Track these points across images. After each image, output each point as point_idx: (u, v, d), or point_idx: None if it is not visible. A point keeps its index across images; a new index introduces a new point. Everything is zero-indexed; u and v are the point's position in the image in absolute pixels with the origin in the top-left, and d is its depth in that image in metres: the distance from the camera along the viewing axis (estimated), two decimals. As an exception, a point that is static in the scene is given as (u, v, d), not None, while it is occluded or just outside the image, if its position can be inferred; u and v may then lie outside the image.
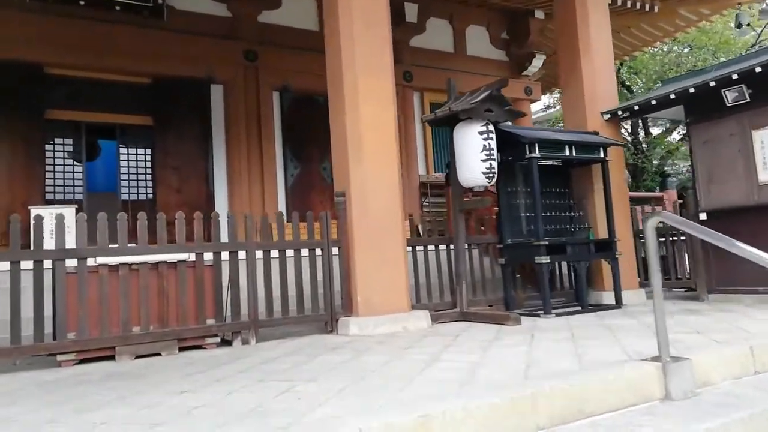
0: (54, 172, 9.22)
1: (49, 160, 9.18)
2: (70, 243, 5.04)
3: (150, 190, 9.99)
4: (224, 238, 5.63)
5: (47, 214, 5.28)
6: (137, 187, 9.96)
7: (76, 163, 9.46)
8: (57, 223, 4.93)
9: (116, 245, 5.06)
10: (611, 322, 5.60)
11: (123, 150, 9.88)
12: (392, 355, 4.34)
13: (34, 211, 5.28)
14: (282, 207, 10.89)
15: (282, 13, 11.21)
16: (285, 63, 10.97)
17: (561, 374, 3.34)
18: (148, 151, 10.08)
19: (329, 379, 3.55)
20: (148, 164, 10.07)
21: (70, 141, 9.48)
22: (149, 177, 10.03)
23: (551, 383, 3.10)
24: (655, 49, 19.19)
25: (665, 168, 18.42)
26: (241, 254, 5.64)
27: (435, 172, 12.74)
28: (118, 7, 9.07)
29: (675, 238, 8.30)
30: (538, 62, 13.95)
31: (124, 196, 9.76)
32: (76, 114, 9.43)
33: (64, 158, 9.35)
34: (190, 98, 10.26)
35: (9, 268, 4.75)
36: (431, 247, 6.84)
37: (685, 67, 18.63)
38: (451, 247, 6.81)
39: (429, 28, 13.07)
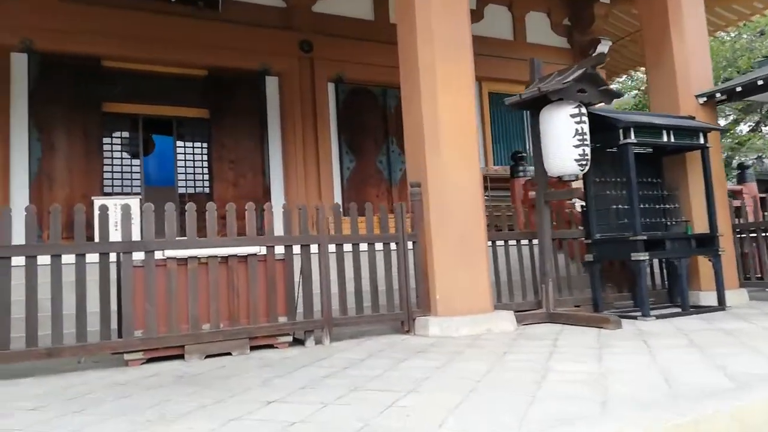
0: (112, 165, 9.10)
1: (107, 153, 9.07)
2: (136, 235, 4.75)
3: (207, 184, 9.78)
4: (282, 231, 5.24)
5: (111, 205, 5.02)
6: (194, 180, 9.76)
7: (133, 156, 9.33)
8: (123, 214, 4.64)
9: (185, 237, 4.73)
10: (726, 327, 4.94)
11: (180, 143, 9.70)
12: (490, 362, 3.84)
13: (98, 201, 5.04)
14: (338, 201, 10.51)
15: (337, 2, 10.83)
16: (340, 53, 10.59)
17: (716, 392, 2.78)
18: (205, 144, 9.87)
19: (433, 391, 3.08)
20: (205, 157, 9.87)
21: (127, 134, 9.35)
22: (206, 170, 9.82)
23: (712, 404, 2.56)
24: (724, 35, 18.02)
25: (741, 160, 17.21)
26: (312, 248, 5.24)
27: (494, 165, 12.13)
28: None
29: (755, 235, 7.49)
30: (603, 48, 13.12)
31: (181, 190, 9.58)
32: (134, 107, 9.29)
33: (122, 151, 9.23)
34: (246, 90, 10.02)
35: (74, 261, 4.48)
36: (512, 242, 6.30)
37: (759, 52, 17.37)
38: (534, 242, 6.25)
39: (487, 15, 12.46)
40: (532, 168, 12.30)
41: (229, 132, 9.77)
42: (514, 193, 9.80)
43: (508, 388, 3.05)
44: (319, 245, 5.20)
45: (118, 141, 9.22)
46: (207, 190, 9.74)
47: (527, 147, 12.71)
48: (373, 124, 11.09)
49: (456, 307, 5.25)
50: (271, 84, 10.33)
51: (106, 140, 9.06)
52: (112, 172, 9.06)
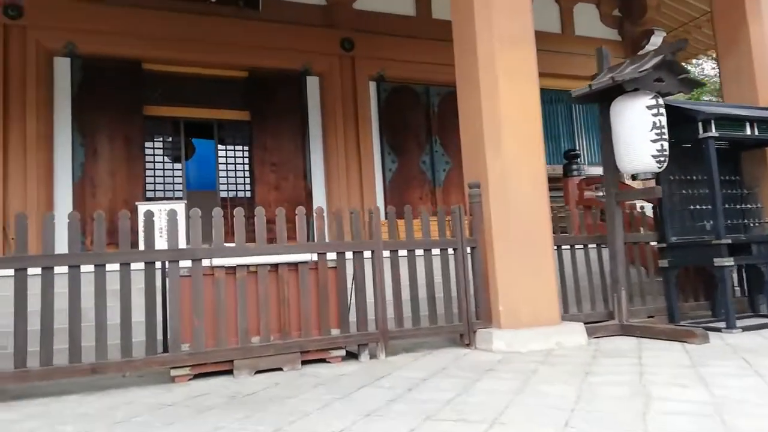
0: (154, 169, 8.98)
1: (149, 158, 8.95)
2: (182, 242, 4.50)
3: (248, 187, 9.57)
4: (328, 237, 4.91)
5: (156, 210, 4.79)
6: (236, 184, 9.57)
7: (175, 160, 9.19)
8: (169, 220, 4.39)
9: (232, 245, 4.45)
10: (833, 343, 4.37)
11: (221, 146, 9.52)
12: (574, 384, 3.41)
13: (143, 207, 4.80)
14: (380, 203, 10.18)
15: (378, -3, 10.52)
16: (381, 51, 10.26)
17: None
18: (246, 147, 9.67)
19: (522, 423, 2.68)
20: (246, 160, 9.66)
21: (169, 138, 9.22)
22: (247, 174, 9.62)
23: None
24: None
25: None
26: (366, 255, 4.90)
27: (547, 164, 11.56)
28: (213, -1, 8.71)
29: None
30: (657, 40, 12.43)
31: (223, 194, 9.39)
32: (175, 110, 9.15)
33: (163, 155, 9.10)
34: (287, 91, 9.78)
35: (119, 269, 4.25)
36: (579, 247, 5.82)
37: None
38: (602, 246, 5.76)
39: (533, 7, 11.92)
40: (586, 167, 11.77)
41: (271, 134, 9.55)
42: (567, 193, 9.26)
43: (610, 422, 2.62)
44: (373, 251, 4.85)
45: (160, 145, 9.09)
46: (248, 193, 9.53)
47: (577, 145, 12.12)
48: (416, 123, 10.72)
49: (521, 319, 4.82)
50: (312, 84, 10.07)
51: (147, 144, 8.94)
52: (154, 176, 8.93)
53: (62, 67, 8.44)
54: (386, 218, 5.16)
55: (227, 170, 9.52)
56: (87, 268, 4.25)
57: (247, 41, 9.26)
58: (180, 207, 4.92)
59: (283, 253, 4.59)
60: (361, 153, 9.98)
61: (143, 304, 4.23)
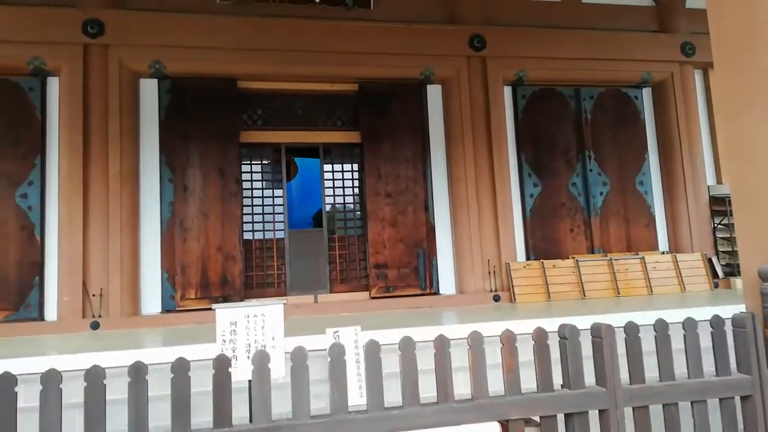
0: (252, 206, 7.59)
1: (246, 192, 7.58)
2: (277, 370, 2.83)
3: (359, 223, 7.94)
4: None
5: (241, 316, 3.18)
6: (344, 219, 7.96)
7: (275, 193, 7.75)
8: (257, 376, 2.68)
9: (398, 408, 2.69)
10: None
11: (327, 174, 7.95)
12: None
13: (223, 312, 3.19)
14: (519, 240, 8.13)
15: (512, -18, 8.45)
16: (520, 47, 8.20)
17: None
18: (356, 174, 8.04)
19: None
20: (356, 191, 8.03)
21: (268, 167, 7.80)
22: (358, 207, 7.99)
23: None
24: None
25: None
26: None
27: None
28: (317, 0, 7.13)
29: None
30: None
31: (329, 232, 7.82)
32: (275, 134, 7.72)
33: (262, 189, 7.69)
34: (404, 105, 8.02)
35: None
36: None
37: None
38: None
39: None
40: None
41: (385, 158, 7.84)
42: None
43: None
44: (604, 411, 2.83)
45: (258, 177, 7.69)
46: (360, 231, 7.89)
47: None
48: (563, 135, 8.53)
49: None
50: (434, 94, 8.24)
51: (245, 177, 7.57)
52: (252, 214, 7.54)
53: (149, 90, 7.28)
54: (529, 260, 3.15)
55: (334, 203, 7.93)
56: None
57: (357, 47, 7.61)
58: (276, 310, 3.27)
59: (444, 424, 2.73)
60: (495, 176, 7.98)
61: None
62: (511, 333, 2.76)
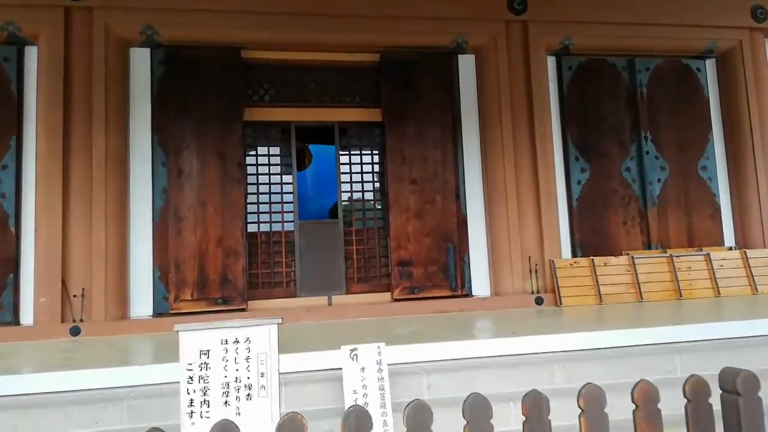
0: (257, 194, 6.64)
1: (251, 178, 6.63)
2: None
3: (380, 214, 6.94)
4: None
5: (215, 342, 2.21)
6: (363, 209, 6.97)
7: (284, 179, 6.79)
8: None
9: None
10: None
11: (344, 158, 6.96)
12: None
13: (189, 336, 2.23)
14: (565, 234, 7.06)
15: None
16: (566, 11, 7.10)
17: None
18: (377, 158, 7.03)
19: None
20: (377, 176, 7.03)
21: (276, 149, 6.83)
22: (378, 196, 6.99)
23: None
24: None
25: None
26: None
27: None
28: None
29: None
30: None
31: (346, 224, 6.83)
32: (284, 112, 6.74)
33: (270, 174, 6.73)
34: (432, 78, 6.97)
35: None
36: None
37: None
38: None
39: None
40: None
41: (410, 139, 6.81)
42: None
43: None
44: None
45: (265, 161, 6.73)
46: (380, 222, 6.89)
47: None
48: (615, 112, 7.41)
49: None
50: (466, 65, 7.17)
51: (249, 160, 6.62)
52: (258, 203, 6.59)
53: (140, 60, 6.35)
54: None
55: (351, 191, 6.93)
56: None
57: (379, 10, 6.58)
58: (266, 333, 2.30)
59: None
60: (538, 160, 6.91)
61: None
62: (649, 387, 1.73)
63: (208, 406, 2.17)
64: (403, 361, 3.80)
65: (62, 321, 5.65)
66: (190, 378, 2.18)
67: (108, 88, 6.00)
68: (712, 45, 7.57)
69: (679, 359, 3.95)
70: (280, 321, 2.33)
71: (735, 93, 7.63)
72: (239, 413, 2.19)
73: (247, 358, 2.28)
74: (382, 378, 3.25)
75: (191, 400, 2.13)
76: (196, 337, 2.18)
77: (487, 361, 3.85)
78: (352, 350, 3.28)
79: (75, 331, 5.60)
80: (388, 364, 3.28)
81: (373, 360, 3.29)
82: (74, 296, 5.71)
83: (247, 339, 2.25)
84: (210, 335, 2.20)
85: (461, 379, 3.63)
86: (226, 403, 2.19)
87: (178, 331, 2.17)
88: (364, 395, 3.09)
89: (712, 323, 4.23)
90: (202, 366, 2.20)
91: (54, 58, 5.94)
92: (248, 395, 2.25)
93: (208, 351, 2.20)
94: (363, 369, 3.26)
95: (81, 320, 5.71)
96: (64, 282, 5.70)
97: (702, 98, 7.70)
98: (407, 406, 1.56)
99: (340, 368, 3.30)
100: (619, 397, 3.56)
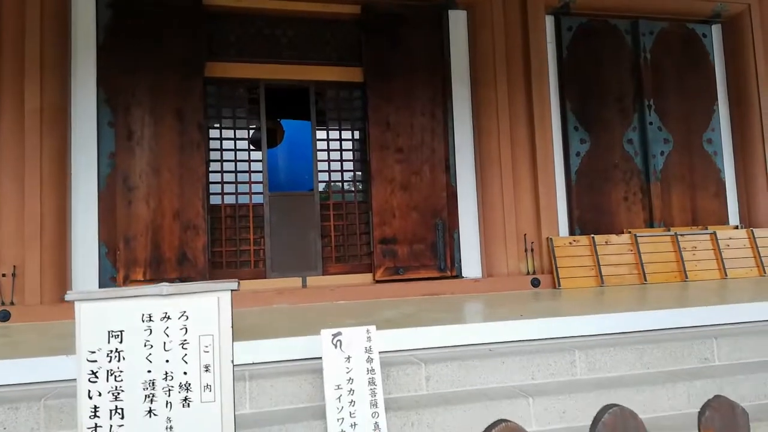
0: (222, 161, 5.84)
1: (214, 143, 5.82)
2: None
3: (360, 186, 6.21)
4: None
5: (134, 319, 1.49)
6: (341, 181, 6.24)
7: (253, 144, 6.00)
8: None
9: None
10: None
11: (320, 123, 6.19)
12: None
13: (91, 307, 1.50)
14: (562, 210, 6.45)
15: None
16: (565, -34, 6.44)
17: None
18: (358, 122, 6.29)
19: None
20: (357, 144, 6.29)
21: (242, 110, 6.03)
22: (359, 164, 6.25)
23: None
24: None
25: None
26: None
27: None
28: None
29: None
30: None
31: (323, 196, 6.08)
32: (252, 68, 5.93)
33: (235, 139, 5.93)
34: (420, 36, 6.26)
35: None
36: None
37: None
38: None
39: None
40: None
41: (396, 103, 6.09)
42: None
43: None
44: None
45: (230, 123, 5.93)
46: (361, 196, 6.17)
47: None
48: (618, 79, 6.81)
49: None
50: (457, 22, 6.47)
51: (212, 122, 5.82)
52: (222, 172, 5.80)
53: (83, 4, 5.46)
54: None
55: (329, 159, 6.19)
56: None
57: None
58: (212, 303, 1.56)
59: None
60: (535, 129, 6.27)
61: None
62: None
63: (122, 417, 1.45)
64: (394, 348, 3.12)
65: (-11, 304, 4.81)
66: (94, 374, 1.45)
67: (44, 34, 5.11)
68: (719, 8, 7.01)
69: (716, 344, 3.36)
70: (234, 286, 1.61)
71: (742, 62, 7.11)
72: (170, 427, 1.48)
73: (184, 344, 1.56)
74: (373, 369, 2.56)
75: (95, 407, 1.41)
76: (103, 311, 1.45)
77: (495, 349, 3.19)
78: (334, 335, 2.59)
79: (3, 316, 4.77)
80: (379, 353, 2.59)
81: (361, 347, 2.60)
82: (2, 275, 4.87)
83: (184, 314, 1.53)
84: (124, 308, 1.46)
85: (466, 369, 2.96)
86: (150, 411, 1.47)
87: (72, 301, 1.44)
88: (350, 391, 2.40)
89: (753, 303, 3.64)
90: (113, 355, 1.47)
91: (-22, -3, 5.03)
92: (185, 399, 1.54)
93: (121, 333, 1.47)
94: (348, 358, 2.56)
95: (12, 303, 4.87)
96: (-10, 259, 4.84)
97: (707, 66, 7.16)
98: (600, 413, 0.87)
99: (319, 358, 2.61)
100: (653, 392, 2.95)
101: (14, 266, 4.91)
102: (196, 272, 5.35)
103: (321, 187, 6.06)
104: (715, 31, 7.28)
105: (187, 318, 1.49)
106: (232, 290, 1.57)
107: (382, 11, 6.10)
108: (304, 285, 5.77)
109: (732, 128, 7.16)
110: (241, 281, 5.49)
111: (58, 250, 5.07)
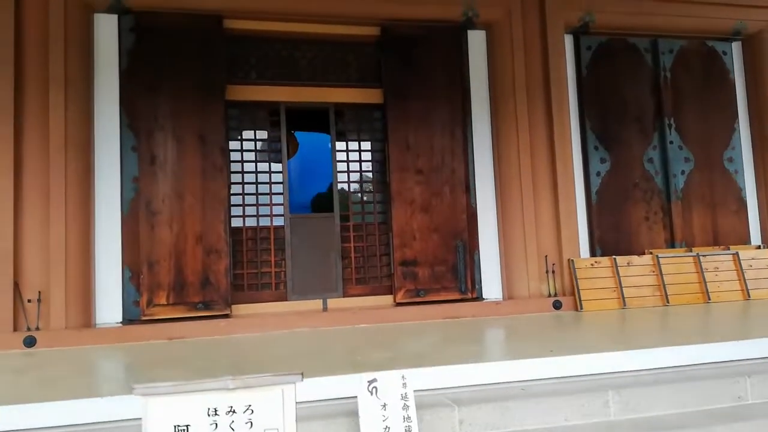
0: (243, 183, 5.85)
1: (235, 166, 5.84)
2: None
3: (380, 208, 6.20)
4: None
5: (199, 413, 1.47)
6: (361, 203, 6.23)
7: (273, 167, 6.01)
8: None
9: None
10: None
11: (340, 144, 6.20)
12: None
13: (156, 403, 1.50)
14: (583, 231, 6.41)
15: None
16: (585, -16, 6.41)
17: None
18: (378, 144, 6.28)
19: None
20: (377, 166, 6.29)
21: (264, 133, 6.05)
22: (379, 187, 6.24)
23: None
24: None
25: None
26: None
27: None
28: None
29: None
30: None
31: (342, 218, 6.08)
32: (272, 91, 5.94)
33: (256, 161, 5.94)
34: (439, 56, 6.25)
35: None
36: None
37: None
38: None
39: None
40: None
41: (415, 123, 6.08)
42: None
43: None
44: None
45: (251, 146, 5.94)
46: (381, 217, 6.16)
47: None
48: (637, 98, 6.77)
49: None
50: (476, 42, 6.47)
51: (233, 145, 5.83)
52: (243, 194, 5.81)
53: (105, 28, 5.52)
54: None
55: (348, 180, 6.19)
56: None
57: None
58: (281, 397, 1.54)
59: None
60: (555, 148, 6.24)
61: None
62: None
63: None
64: (425, 387, 3.09)
65: (14, 330, 4.84)
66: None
67: (68, 60, 5.15)
68: (739, 26, 6.96)
69: (749, 382, 3.31)
70: (299, 378, 1.59)
71: (762, 79, 7.04)
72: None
73: None
74: (409, 417, 2.54)
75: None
76: (168, 406, 1.43)
77: (527, 388, 3.16)
78: (370, 381, 2.57)
79: (29, 342, 4.79)
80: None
81: (397, 393, 2.58)
82: (29, 301, 4.90)
83: (249, 407, 1.51)
84: (190, 402, 1.45)
85: (500, 412, 2.93)
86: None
87: (138, 395, 1.43)
88: (387, 442, 2.38)
89: (749, 339, 3.59)
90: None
91: (2, 25, 5.07)
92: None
93: (187, 427, 1.46)
94: (384, 405, 2.54)
95: (37, 329, 4.90)
96: (16, 284, 4.87)
97: (728, 84, 7.10)
98: None
99: (353, 397, 2.59)
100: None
101: (39, 292, 4.95)
102: (219, 296, 5.35)
103: (340, 208, 6.06)
104: (736, 48, 7.22)
105: (252, 412, 1.48)
106: (297, 382, 1.55)
107: (402, 32, 6.10)
108: (325, 307, 5.77)
109: (753, 146, 7.09)
110: (261, 303, 5.52)
111: (82, 274, 5.10)
